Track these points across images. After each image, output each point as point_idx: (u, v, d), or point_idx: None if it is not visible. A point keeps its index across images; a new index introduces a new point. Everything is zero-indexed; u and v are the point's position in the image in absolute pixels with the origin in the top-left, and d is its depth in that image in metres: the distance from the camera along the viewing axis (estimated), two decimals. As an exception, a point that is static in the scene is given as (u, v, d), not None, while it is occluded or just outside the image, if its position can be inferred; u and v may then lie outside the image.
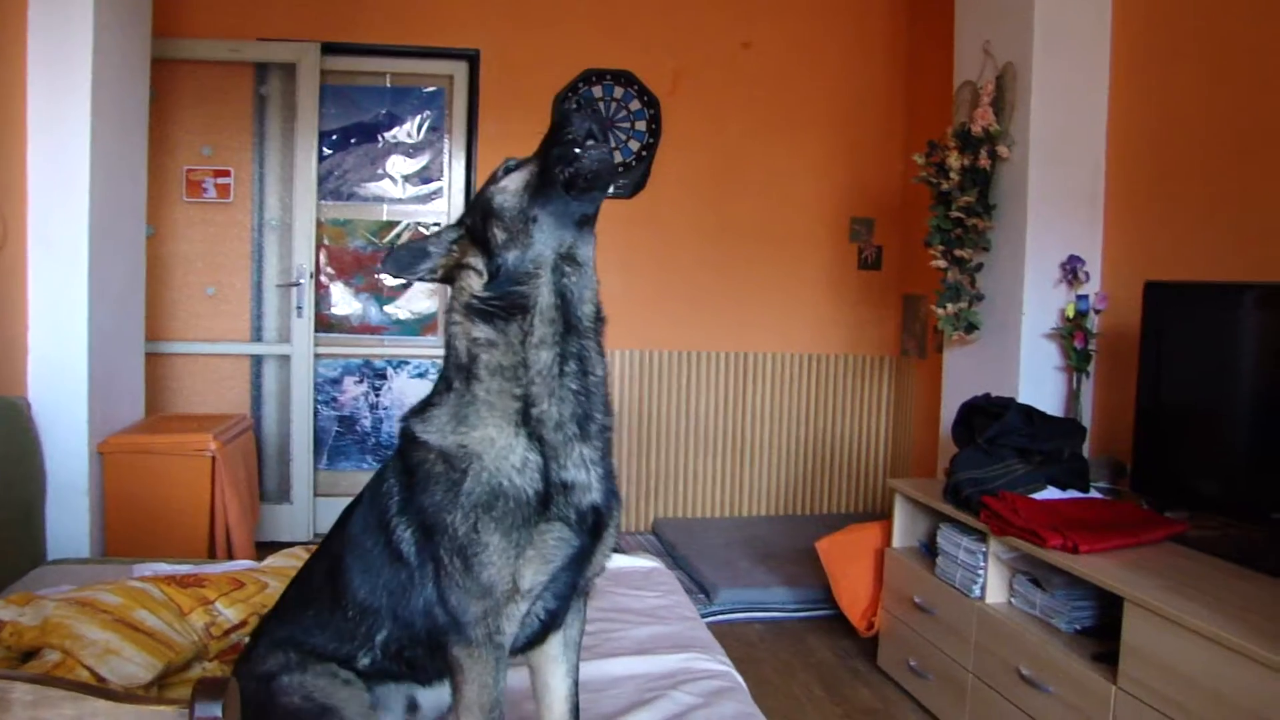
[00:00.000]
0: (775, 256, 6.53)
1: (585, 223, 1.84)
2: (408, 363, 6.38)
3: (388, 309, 6.37)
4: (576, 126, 1.77)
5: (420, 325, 6.37)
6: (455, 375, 1.85)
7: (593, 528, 1.85)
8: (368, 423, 6.36)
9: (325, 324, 6.28)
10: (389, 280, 6.15)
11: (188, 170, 5.93)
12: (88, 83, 3.99)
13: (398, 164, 6.37)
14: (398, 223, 6.35)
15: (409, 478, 1.87)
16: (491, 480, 1.77)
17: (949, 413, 4.87)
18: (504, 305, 1.79)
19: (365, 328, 6.36)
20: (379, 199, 6.36)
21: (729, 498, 6.58)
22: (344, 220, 6.31)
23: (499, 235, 1.81)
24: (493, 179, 1.87)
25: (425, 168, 6.39)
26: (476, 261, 1.84)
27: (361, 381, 6.35)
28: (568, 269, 1.81)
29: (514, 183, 1.82)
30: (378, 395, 6.36)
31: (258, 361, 6.10)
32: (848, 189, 6.61)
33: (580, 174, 1.76)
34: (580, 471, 1.82)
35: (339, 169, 6.31)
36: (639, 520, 6.47)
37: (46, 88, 3.94)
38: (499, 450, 1.78)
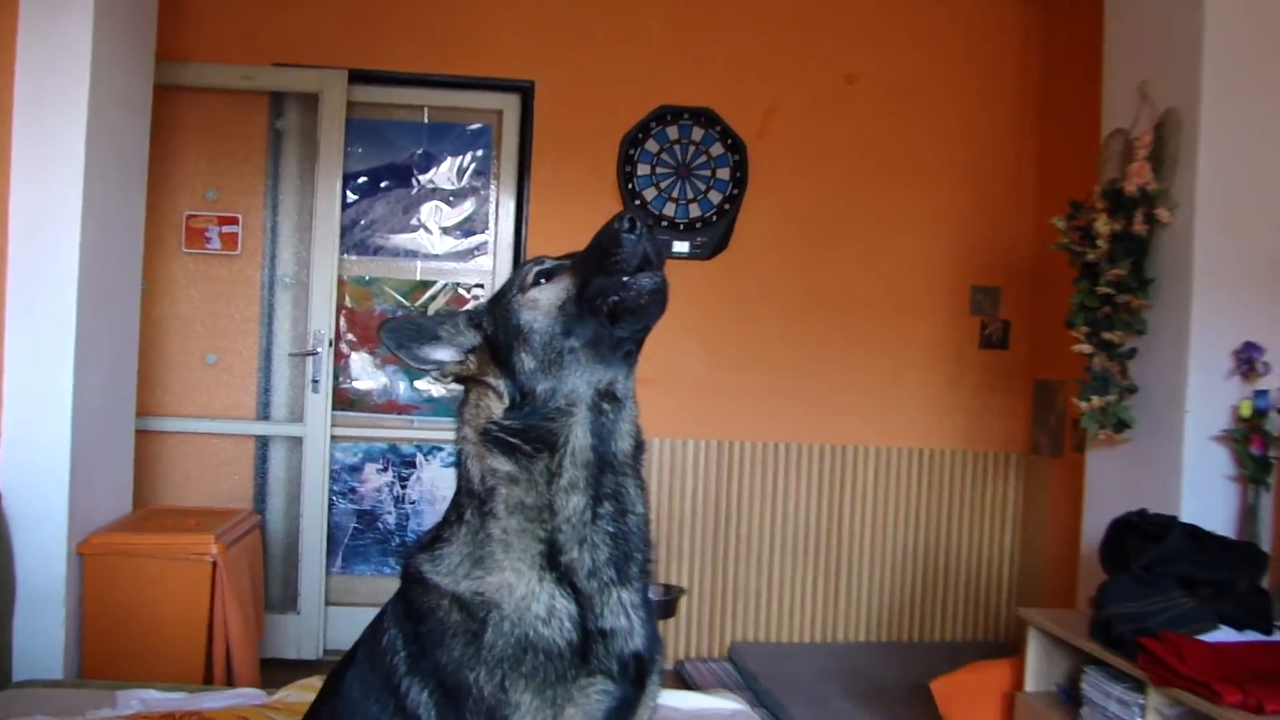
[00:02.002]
0: (879, 331, 6.52)
1: (630, 354, 1.87)
2: (440, 449, 6.41)
3: (419, 385, 6.40)
4: (628, 252, 1.79)
5: (457, 404, 6.24)
6: (467, 504, 1.89)
7: (635, 677, 1.85)
8: (391, 519, 6.39)
9: (345, 401, 6.34)
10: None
11: (188, 216, 6.00)
12: (83, 120, 4.04)
13: (435, 214, 6.44)
14: (433, 283, 6.42)
15: (417, 628, 1.87)
16: (516, 631, 1.79)
17: (1092, 527, 4.82)
18: (528, 439, 1.83)
19: (392, 406, 6.41)
20: (412, 254, 6.43)
21: (820, 619, 6.53)
22: (370, 279, 6.37)
23: (526, 361, 1.85)
24: (519, 283, 1.90)
25: (468, 219, 6.45)
26: (497, 382, 1.88)
27: (386, 469, 6.39)
28: (606, 406, 1.85)
29: (547, 298, 1.85)
30: (404, 486, 6.40)
31: (264, 443, 6.14)
32: (969, 252, 6.61)
33: (626, 307, 1.79)
34: (620, 618, 1.85)
35: (365, 218, 6.38)
36: (713, 644, 6.42)
37: (36, 125, 3.99)
38: (519, 599, 1.81)
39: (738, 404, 6.41)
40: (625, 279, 1.78)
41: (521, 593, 1.81)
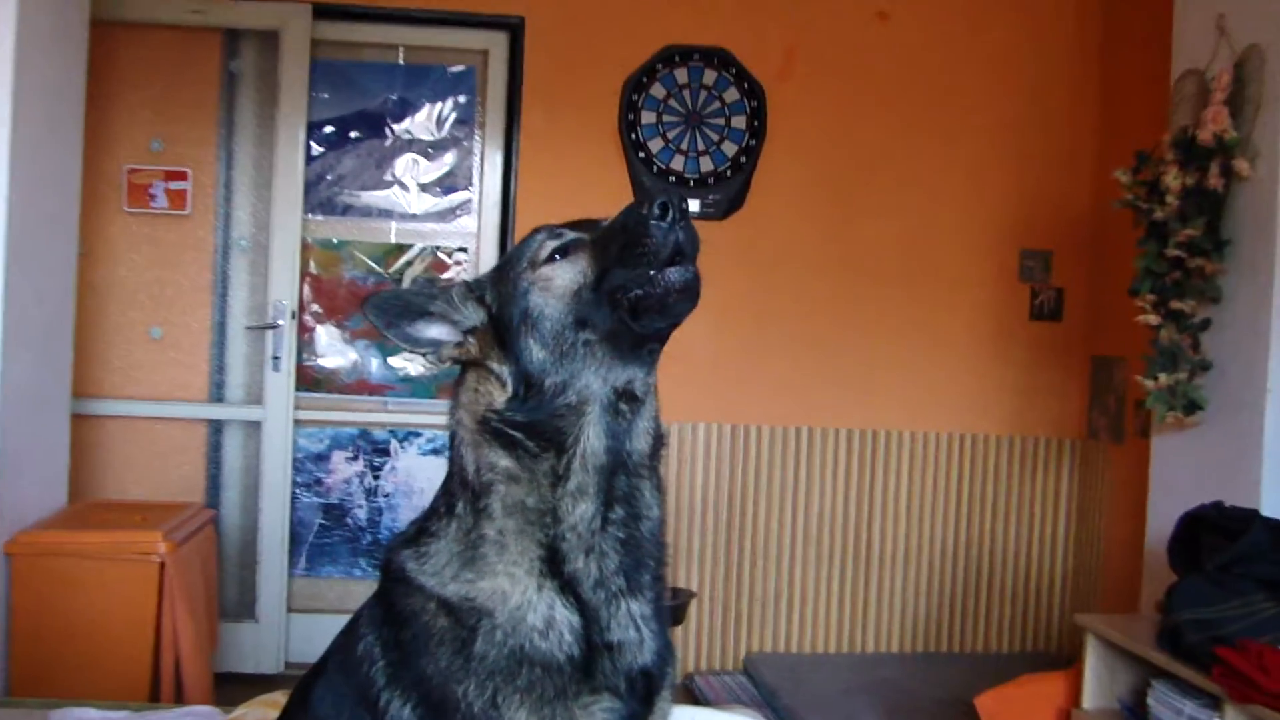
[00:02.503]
0: (915, 302, 6.53)
1: (653, 352, 1.88)
2: (418, 434, 6.42)
3: (393, 362, 6.40)
4: (657, 242, 1.77)
5: (436, 385, 6.40)
6: (460, 494, 1.89)
7: (643, 694, 1.87)
8: (362, 514, 6.39)
9: (310, 380, 6.36)
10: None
11: (130, 171, 6.01)
12: (8, 60, 4.00)
13: (411, 168, 6.43)
14: (409, 246, 6.42)
15: (399, 634, 1.88)
16: (510, 642, 1.80)
17: (1159, 522, 4.82)
18: (532, 436, 1.83)
19: (363, 386, 6.42)
20: (385, 214, 6.42)
21: (848, 627, 6.53)
22: (338, 242, 6.38)
23: (534, 349, 1.85)
24: (529, 257, 1.89)
25: (449, 173, 6.44)
26: (500, 368, 1.88)
27: (356, 458, 6.40)
28: (624, 406, 1.86)
29: (561, 280, 1.85)
30: (377, 477, 6.40)
31: (218, 429, 6.16)
32: (1018, 212, 6.59)
33: (650, 303, 1.78)
34: (629, 630, 1.86)
35: (333, 173, 6.37)
36: (726, 655, 6.41)
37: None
38: (513, 609, 1.81)
39: (754, 384, 6.40)
40: (652, 272, 1.76)
41: (516, 601, 1.81)
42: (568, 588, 1.82)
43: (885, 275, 6.51)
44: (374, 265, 6.38)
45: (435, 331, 1.92)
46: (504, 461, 1.83)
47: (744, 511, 6.42)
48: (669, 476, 6.19)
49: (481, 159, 6.43)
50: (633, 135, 6.23)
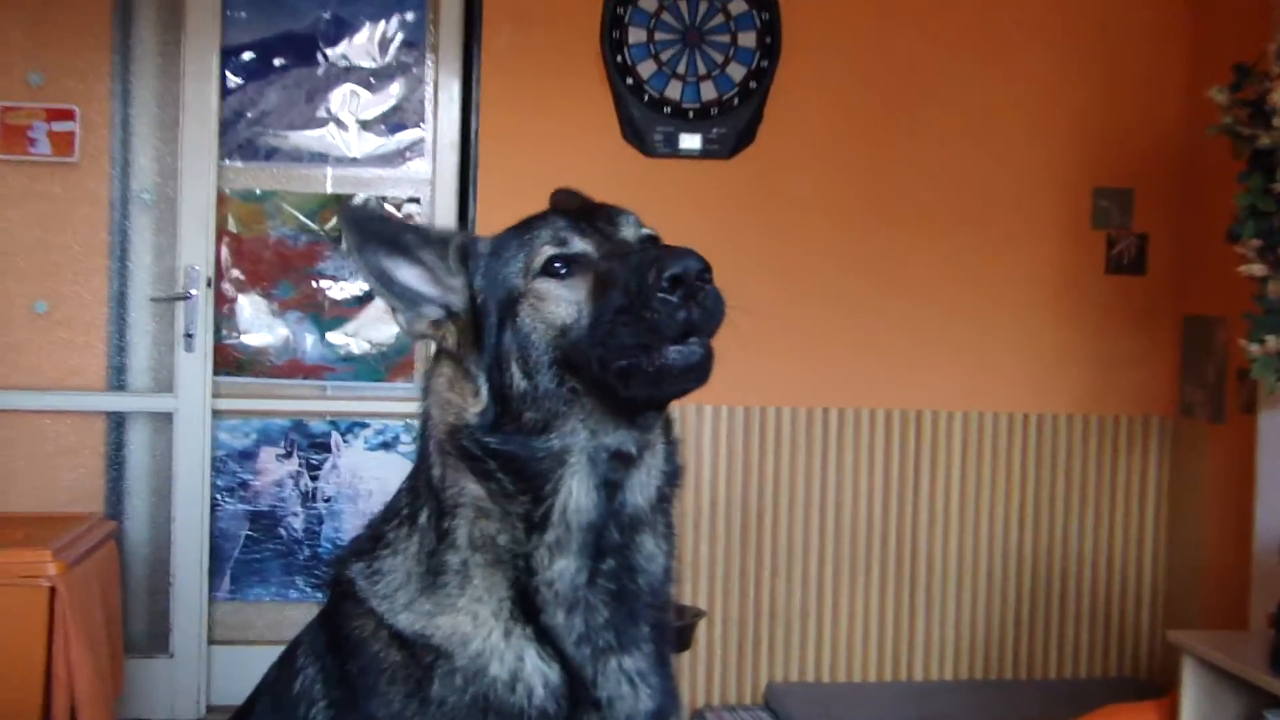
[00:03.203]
0: (965, 255, 6.48)
1: (653, 416, 2.03)
2: (364, 425, 6.42)
3: (333, 338, 6.40)
4: (662, 317, 1.87)
5: (385, 364, 6.42)
6: (426, 501, 2.01)
7: None
8: (297, 523, 6.39)
9: (231, 362, 6.34)
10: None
11: (4, 110, 5.98)
12: None
13: (350, 102, 6.42)
14: (349, 198, 6.42)
15: (345, 665, 1.96)
16: (471, 689, 1.91)
17: (1271, 518, 4.85)
18: (507, 470, 1.95)
19: (296, 368, 6.42)
20: (319, 158, 6.42)
21: (889, 651, 6.50)
22: (262, 193, 6.37)
23: (515, 375, 1.97)
24: (528, 258, 2.00)
25: (396, 109, 6.45)
26: (475, 374, 2.01)
27: (289, 455, 6.41)
28: (615, 464, 1.99)
29: (554, 305, 1.97)
30: (315, 479, 6.41)
31: (119, 422, 6.18)
32: (1091, 142, 6.53)
33: (642, 378, 1.90)
34: (620, 686, 1.98)
35: (254, 109, 6.34)
36: (743, 687, 6.40)
37: None
38: (473, 655, 1.92)
39: (771, 356, 6.26)
40: (649, 349, 1.87)
41: (477, 647, 1.91)
42: (546, 637, 1.92)
43: (928, 224, 6.47)
44: (306, 221, 6.37)
45: (414, 281, 2.01)
46: (474, 488, 1.93)
47: (761, 512, 6.37)
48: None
49: (435, 90, 6.45)
50: (618, 58, 6.15)
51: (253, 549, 6.36)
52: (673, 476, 2.06)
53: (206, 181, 6.06)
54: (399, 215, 6.31)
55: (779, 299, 6.33)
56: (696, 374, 1.91)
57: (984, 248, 6.50)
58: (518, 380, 1.93)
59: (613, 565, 1.94)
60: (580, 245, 1.98)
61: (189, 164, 6.05)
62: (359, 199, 6.35)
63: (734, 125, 6.28)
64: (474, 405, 1.95)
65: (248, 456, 6.37)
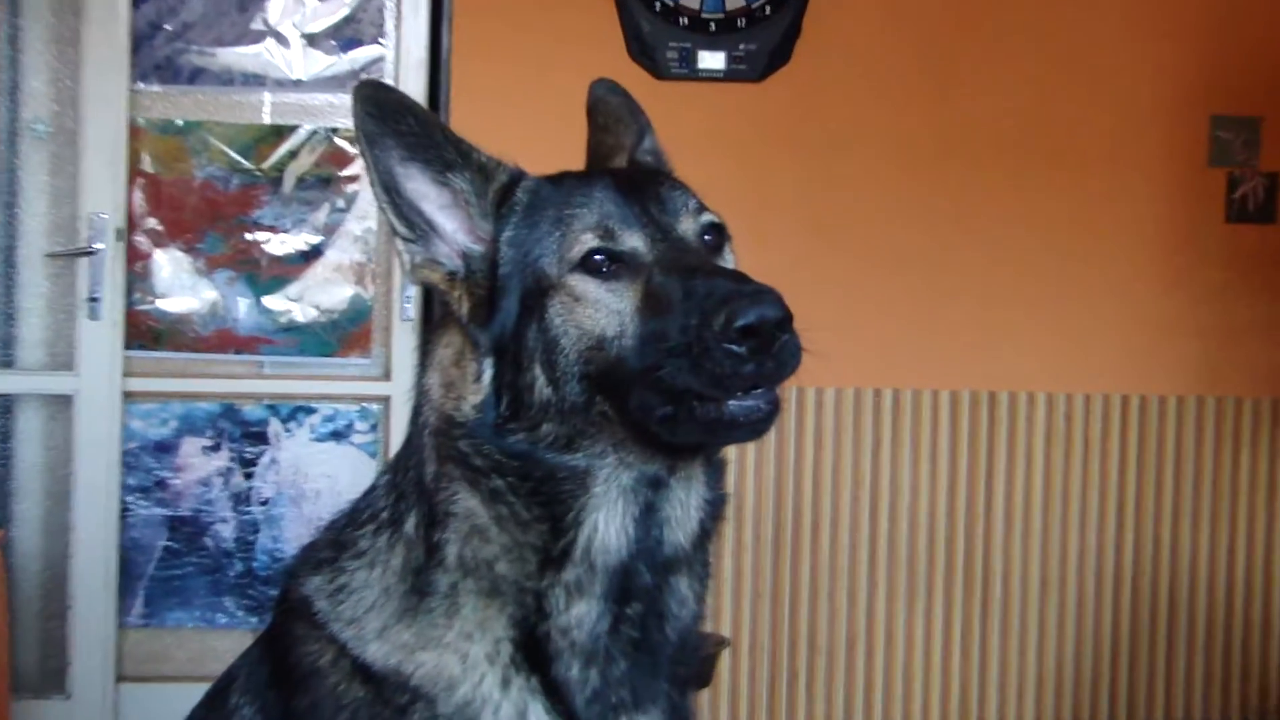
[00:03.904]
0: (1050, 201, 6.40)
1: (699, 452, 2.10)
2: (311, 410, 6.37)
3: (272, 303, 6.32)
4: (725, 370, 1.89)
5: (337, 335, 6.35)
6: (414, 501, 2.04)
7: None
8: (228, 532, 6.32)
9: (147, 334, 6.28)
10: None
11: None
12: None
13: (293, 10, 6.35)
14: (293, 128, 6.35)
15: (290, 700, 1.99)
16: None
17: None
18: (518, 487, 1.98)
19: (227, 340, 6.36)
20: (255, 81, 6.34)
21: (956, 688, 6.44)
22: (184, 124, 6.29)
23: (537, 375, 2.00)
24: (565, 241, 2.04)
25: (349, 19, 6.38)
26: (481, 356, 2.04)
27: (218, 448, 6.35)
28: (653, 495, 2.04)
29: (592, 310, 2.00)
30: (250, 476, 6.36)
31: (5, 407, 6.16)
32: (1207, 62, 6.46)
33: (692, 427, 1.95)
34: None
35: (173, 20, 6.23)
36: (775, 727, 6.31)
37: None
38: (460, 703, 1.94)
39: (810, 325, 5.98)
40: (704, 399, 1.91)
41: (466, 694, 1.93)
42: (553, 691, 1.94)
43: (1005, 163, 6.41)
44: (239, 158, 6.29)
45: (434, 208, 2.03)
46: (468, 501, 1.95)
47: (798, 517, 6.33)
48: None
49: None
50: None
51: (172, 564, 6.27)
52: (716, 506, 2.09)
53: (115, 110, 5.95)
54: (311, 176, 6.32)
55: (820, 255, 6.32)
56: (757, 430, 1.94)
57: (1074, 192, 6.42)
58: (540, 386, 1.95)
59: (639, 610, 1.97)
60: (631, 241, 1.99)
61: (92, 88, 5.95)
62: (300, 133, 6.30)
63: (764, 41, 6.23)
64: (473, 394, 1.97)
65: (166, 449, 6.27)
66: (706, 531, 2.08)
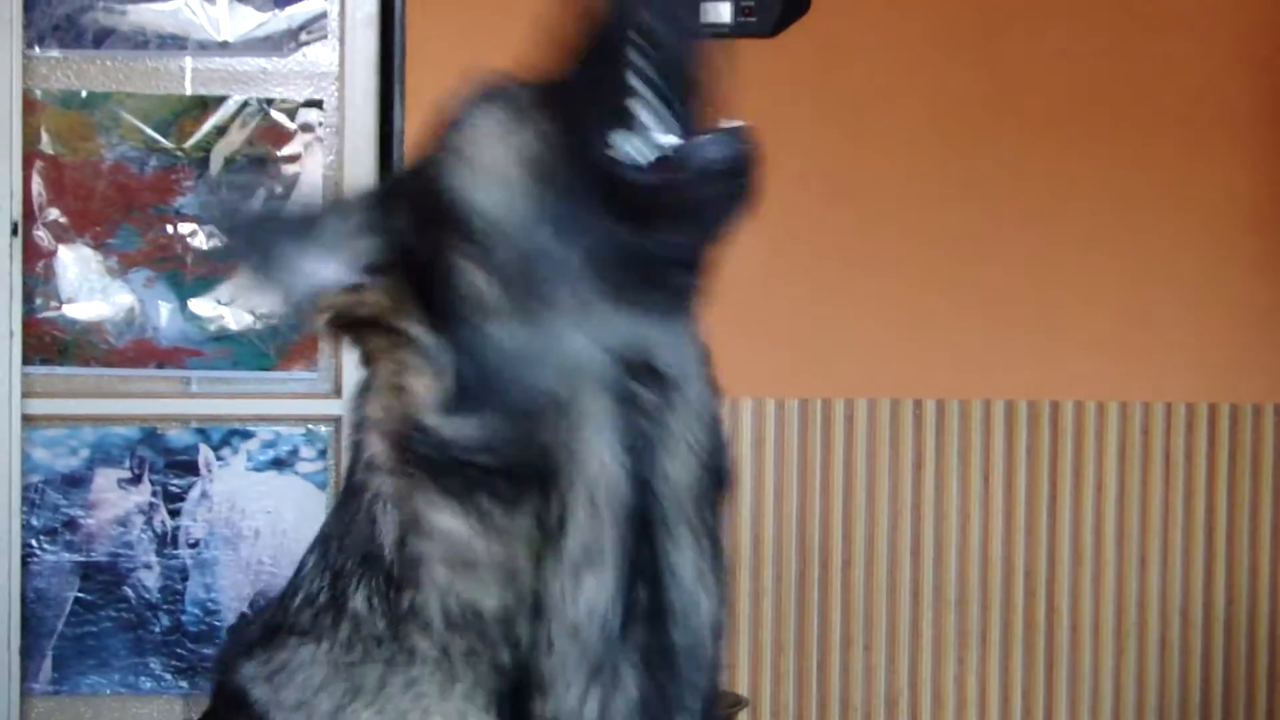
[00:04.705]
0: (1121, 170, 5.88)
1: (680, 291, 1.89)
2: (248, 434, 5.96)
3: (199, 307, 6.00)
4: (652, 80, 1.79)
5: (275, 345, 5.98)
6: (358, 574, 1.87)
7: None
8: (151, 580, 5.89)
9: (50, 346, 5.88)
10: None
11: None
12: None
13: None
14: (220, 100, 5.93)
15: None
16: None
17: None
18: (494, 470, 1.79)
19: (147, 352, 5.94)
20: (174, 43, 5.83)
21: None
22: (90, 96, 5.84)
23: (481, 285, 1.83)
24: (448, 128, 1.93)
25: None
26: (425, 338, 1.84)
27: (139, 480, 5.92)
28: (642, 391, 1.81)
29: (504, 150, 1.86)
30: (177, 514, 5.92)
31: None
32: None
33: (666, 198, 1.80)
34: None
35: None
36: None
37: None
38: None
39: (835, 325, 5.89)
40: (665, 143, 1.75)
41: None
42: None
43: (1065, 128, 5.93)
44: (156, 136, 5.85)
45: (322, 267, 1.90)
46: (447, 521, 1.76)
47: (826, 552, 5.92)
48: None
49: None
50: None
51: (86, 619, 5.79)
52: (720, 462, 1.85)
53: (4, 79, 5.50)
54: (241, 156, 5.97)
55: (846, 240, 5.95)
56: (740, 178, 1.74)
57: (1149, 161, 5.97)
58: (486, 290, 1.76)
59: (645, 604, 1.75)
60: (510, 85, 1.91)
61: None
62: (229, 104, 5.90)
63: None
64: (432, 388, 1.77)
65: (76, 483, 5.76)
66: (711, 485, 1.84)
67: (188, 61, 5.78)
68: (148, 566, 5.83)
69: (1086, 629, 5.90)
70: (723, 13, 5.54)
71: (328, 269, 1.88)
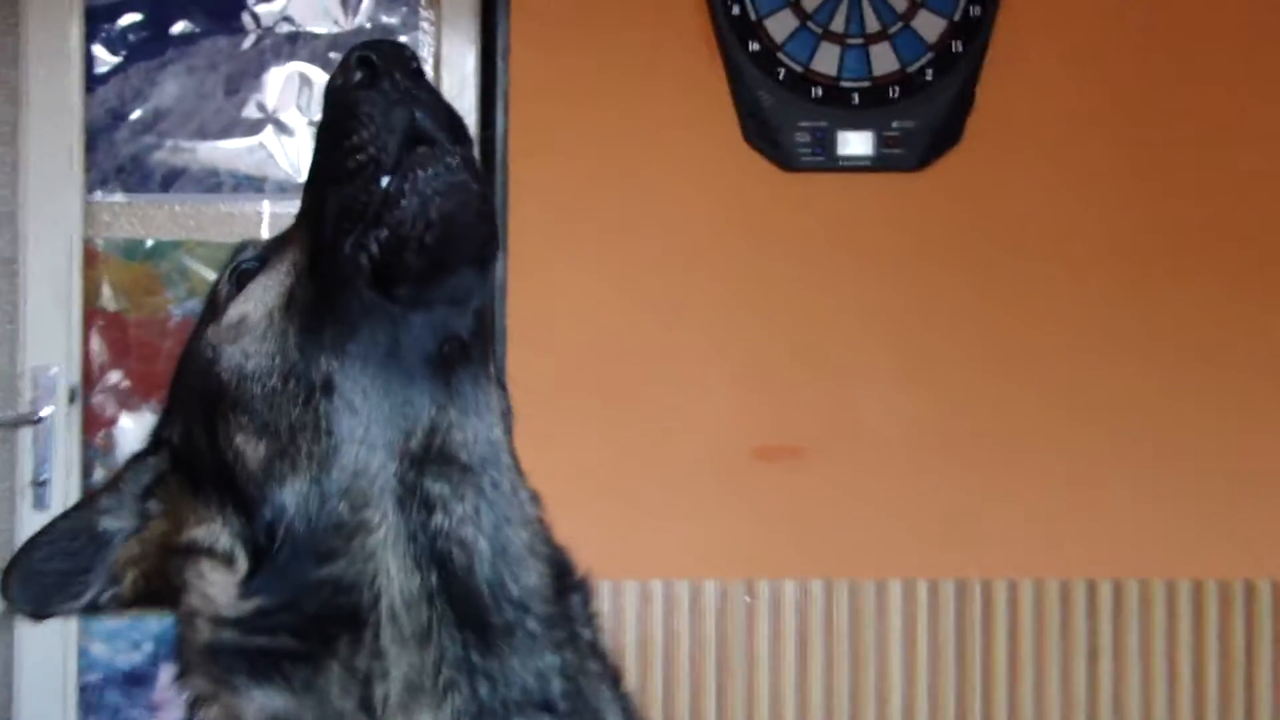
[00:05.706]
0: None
1: (456, 358, 1.80)
2: None
3: None
4: (375, 127, 1.77)
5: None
6: None
7: None
8: None
9: None
10: None
11: None
12: None
13: (300, 92, 5.70)
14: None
15: None
16: None
17: None
18: (301, 627, 1.73)
19: None
20: (251, 185, 5.69)
21: None
22: (157, 245, 5.67)
23: (249, 450, 1.78)
24: (210, 308, 1.97)
25: None
26: (211, 531, 1.81)
27: None
28: (434, 486, 1.75)
29: (257, 304, 1.86)
30: None
31: None
32: None
33: (398, 241, 1.73)
34: None
35: (142, 105, 5.58)
36: None
37: None
38: None
39: (988, 496, 5.44)
40: (382, 182, 1.73)
41: None
42: None
43: (1254, 276, 5.48)
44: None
45: (106, 558, 1.91)
46: (275, 700, 1.70)
47: None
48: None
49: (438, 65, 5.73)
50: (732, 8, 5.46)
51: None
52: (563, 572, 1.81)
53: (64, 228, 5.33)
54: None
55: (997, 397, 5.51)
56: (463, 197, 1.68)
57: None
58: (254, 452, 1.71)
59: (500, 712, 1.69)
60: (256, 248, 1.93)
61: (35, 198, 5.31)
62: None
63: (926, 116, 5.53)
64: (229, 580, 1.72)
65: (137, 681, 5.51)
66: (548, 588, 1.74)
67: (265, 205, 5.64)
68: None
69: None
70: (863, 144, 5.42)
71: (109, 558, 1.85)
